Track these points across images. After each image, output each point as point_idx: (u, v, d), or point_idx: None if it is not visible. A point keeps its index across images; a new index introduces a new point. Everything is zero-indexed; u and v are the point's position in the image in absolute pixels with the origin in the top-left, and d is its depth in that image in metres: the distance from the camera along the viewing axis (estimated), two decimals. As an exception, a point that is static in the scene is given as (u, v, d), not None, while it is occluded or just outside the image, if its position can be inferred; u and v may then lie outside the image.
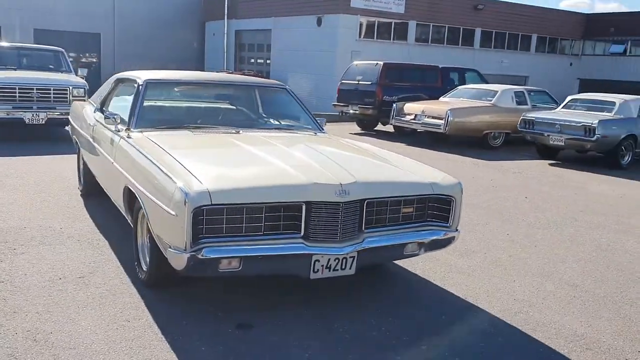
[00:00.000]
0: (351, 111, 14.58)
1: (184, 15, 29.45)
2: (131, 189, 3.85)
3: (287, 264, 3.43)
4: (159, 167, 3.52)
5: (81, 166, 6.33)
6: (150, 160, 3.69)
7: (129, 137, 4.36)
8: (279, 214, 3.38)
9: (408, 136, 13.83)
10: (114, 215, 5.39)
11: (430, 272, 4.54)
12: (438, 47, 25.82)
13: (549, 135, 11.12)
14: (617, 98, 11.49)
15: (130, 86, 5.28)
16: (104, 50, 27.51)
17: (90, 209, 5.79)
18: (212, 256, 3.19)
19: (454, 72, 15.74)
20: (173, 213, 3.16)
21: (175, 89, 5.44)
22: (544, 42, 30.04)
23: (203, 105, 5.42)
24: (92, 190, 6.10)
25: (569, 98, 12.28)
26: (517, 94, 13.19)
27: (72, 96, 9.92)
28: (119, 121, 4.54)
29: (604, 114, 11.04)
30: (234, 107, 5.38)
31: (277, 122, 5.24)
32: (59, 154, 8.79)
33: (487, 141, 12.73)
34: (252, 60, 28.29)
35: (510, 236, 5.76)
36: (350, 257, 3.49)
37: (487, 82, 15.71)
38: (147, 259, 3.92)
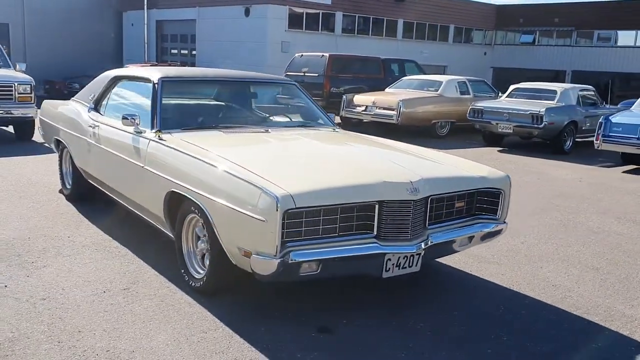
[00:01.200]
0: (298, 103, 14.53)
1: (100, 5, 28.09)
2: (185, 194, 3.65)
3: (361, 264, 3.41)
4: (228, 173, 3.37)
5: (69, 169, 5.94)
6: (211, 165, 3.53)
7: (160, 139, 4.14)
8: (352, 215, 3.35)
9: (356, 127, 13.94)
10: (119, 219, 5.16)
11: (461, 263, 4.65)
12: (364, 38, 26.22)
13: (497, 124, 11.61)
14: (557, 86, 12.18)
15: (136, 85, 5.03)
16: (13, 42, 25.73)
17: (87, 214, 5.45)
18: (298, 260, 3.12)
19: (395, 63, 16.05)
20: (261, 218, 3.04)
21: (191, 87, 5.21)
22: (461, 32, 31.20)
23: (222, 103, 5.23)
24: (82, 194, 5.76)
25: (512, 87, 12.87)
26: (460, 84, 13.66)
27: (18, 93, 9.27)
28: (138, 122, 4.31)
29: (547, 102, 11.66)
30: (252, 105, 5.23)
31: (297, 119, 5.12)
32: (16, 155, 8.20)
33: (434, 130, 13.13)
34: (175, 51, 27.52)
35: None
36: (417, 254, 3.52)
37: (424, 73, 16.13)
38: (197, 267, 3.81)
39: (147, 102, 4.62)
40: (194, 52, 25.92)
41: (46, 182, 6.71)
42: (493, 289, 4.19)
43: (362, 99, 13.08)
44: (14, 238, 4.70)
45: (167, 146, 4.03)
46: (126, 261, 4.31)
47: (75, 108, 5.69)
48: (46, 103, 6.61)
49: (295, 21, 23.89)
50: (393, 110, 12.35)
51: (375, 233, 3.40)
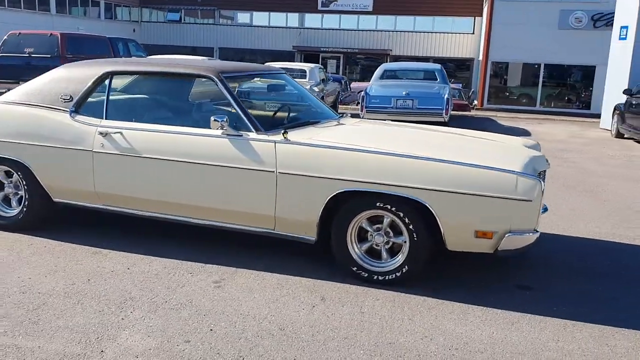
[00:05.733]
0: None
1: None
2: (372, 191, 3.68)
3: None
4: (462, 164, 3.61)
5: (21, 193, 4.62)
6: (424, 159, 3.68)
7: (287, 140, 3.94)
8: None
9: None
10: (135, 236, 4.50)
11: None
12: (12, 10, 23.09)
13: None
14: (306, 66, 13.64)
15: (168, 82, 4.40)
16: None
17: (80, 237, 4.48)
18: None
19: (119, 42, 15.11)
20: (526, 199, 3.51)
21: (242, 83, 4.70)
22: (110, 8, 30.12)
23: (279, 98, 4.87)
24: (39, 219, 4.66)
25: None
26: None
27: None
28: (226, 124, 3.98)
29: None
30: (303, 98, 5.02)
31: (315, 111, 5.14)
32: None
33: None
34: None
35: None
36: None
37: (145, 52, 15.69)
38: (368, 262, 3.90)
39: (205, 102, 4.20)
40: None
41: None
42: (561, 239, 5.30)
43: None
44: (41, 292, 3.72)
45: (317, 146, 3.88)
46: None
47: (37, 114, 4.49)
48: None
49: None
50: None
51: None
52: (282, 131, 3.99)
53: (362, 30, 31.71)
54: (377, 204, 3.75)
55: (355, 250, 3.91)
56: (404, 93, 11.82)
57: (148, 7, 32.85)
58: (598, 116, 20.88)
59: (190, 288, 3.73)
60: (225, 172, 3.98)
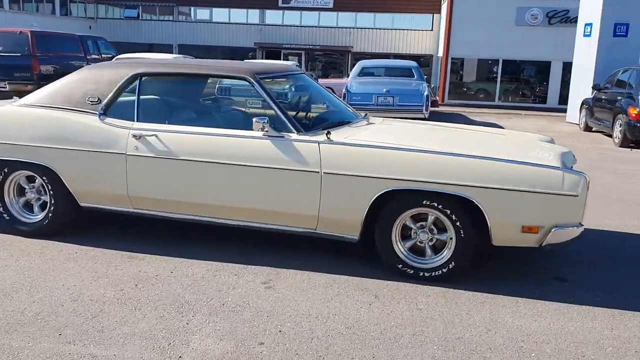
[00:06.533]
0: (-5, 88, 12.15)
1: None
2: (419, 189, 3.76)
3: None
4: (511, 162, 3.72)
5: (48, 198, 4.50)
6: (472, 157, 3.77)
7: (330, 140, 3.97)
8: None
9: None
10: (170, 237, 4.47)
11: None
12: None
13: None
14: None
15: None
16: None
17: (113, 242, 4.40)
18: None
19: (89, 40, 14.72)
20: (573, 194, 3.64)
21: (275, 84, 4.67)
22: (65, 4, 29.28)
23: (303, 98, 4.85)
24: (64, 224, 4.56)
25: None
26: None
27: None
28: (267, 126, 3.99)
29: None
30: (314, 97, 5.02)
31: (342, 112, 5.10)
32: None
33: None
34: None
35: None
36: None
37: (115, 49, 15.37)
38: (413, 259, 3.97)
39: (237, 103, 4.20)
40: None
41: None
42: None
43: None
44: (94, 298, 3.67)
45: (363, 145, 3.93)
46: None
47: (63, 117, 4.38)
48: (10, 111, 4.63)
49: None
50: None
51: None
52: (326, 132, 4.01)
53: (323, 27, 31.77)
54: (424, 202, 3.83)
55: (400, 248, 3.98)
56: (384, 90, 11.95)
57: (104, 3, 32.07)
58: (554, 110, 21.68)
59: (241, 290, 3.73)
60: (267, 173, 3.98)
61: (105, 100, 4.33)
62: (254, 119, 3.95)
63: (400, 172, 3.78)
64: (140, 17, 32.39)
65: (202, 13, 32.67)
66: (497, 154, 3.83)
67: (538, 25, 23.06)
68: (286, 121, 4.06)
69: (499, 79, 24.31)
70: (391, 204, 3.90)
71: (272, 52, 31.19)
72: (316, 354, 2.98)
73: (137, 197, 4.29)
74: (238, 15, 32.22)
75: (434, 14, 30.56)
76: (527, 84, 24.61)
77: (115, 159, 4.24)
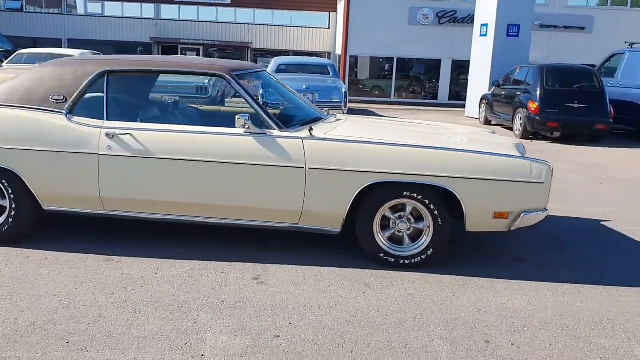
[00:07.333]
0: None
1: None
2: (399, 182, 3.96)
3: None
4: (485, 153, 4.02)
5: (14, 201, 4.24)
6: (450, 150, 4.03)
7: (313, 136, 4.09)
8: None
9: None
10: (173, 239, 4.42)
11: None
12: None
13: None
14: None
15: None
16: None
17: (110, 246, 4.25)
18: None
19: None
20: (540, 181, 4.00)
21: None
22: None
23: (279, 95, 4.84)
24: (24, 229, 4.36)
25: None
26: None
27: None
28: (249, 123, 4.06)
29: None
30: (278, 96, 5.03)
31: (309, 109, 5.09)
32: None
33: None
34: None
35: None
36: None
37: (12, 45, 14.39)
38: (393, 248, 4.17)
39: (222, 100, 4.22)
40: None
41: None
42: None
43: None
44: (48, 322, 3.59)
45: (346, 141, 4.06)
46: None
47: (25, 116, 4.16)
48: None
49: None
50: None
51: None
52: (308, 128, 4.11)
53: (221, 23, 31.39)
54: (404, 193, 4.03)
55: (381, 238, 4.16)
56: (304, 87, 12.11)
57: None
58: (445, 105, 22.95)
59: (234, 287, 3.75)
60: (250, 170, 4.01)
61: (72, 99, 4.15)
62: (236, 116, 3.97)
63: (384, 166, 3.96)
64: (25, 10, 30.34)
65: (94, 6, 31.18)
66: (470, 147, 4.12)
67: (429, 25, 24.21)
68: (267, 118, 4.11)
69: (394, 77, 25.26)
70: (373, 196, 4.07)
71: (169, 47, 30.40)
72: (334, 342, 3.08)
73: (110, 198, 4.16)
74: (132, 9, 31.06)
75: (331, 13, 31.13)
76: (419, 82, 25.77)
77: (86, 159, 4.08)
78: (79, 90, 4.17)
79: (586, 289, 3.94)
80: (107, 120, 4.14)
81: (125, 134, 4.06)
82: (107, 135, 4.07)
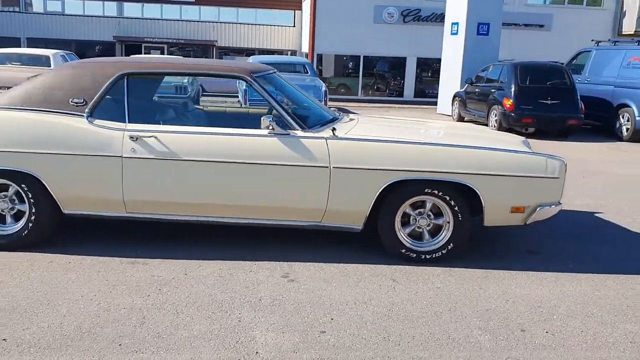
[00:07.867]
0: None
1: None
2: (424, 179, 4.09)
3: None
4: (504, 150, 4.18)
5: (27, 208, 4.18)
6: (468, 147, 4.17)
7: (336, 136, 4.17)
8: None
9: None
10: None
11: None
12: None
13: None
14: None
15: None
16: None
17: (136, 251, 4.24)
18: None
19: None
20: (555, 176, 4.18)
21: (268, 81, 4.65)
22: None
23: (289, 95, 4.87)
24: (43, 234, 4.32)
25: None
26: (62, 57, 12.93)
27: None
28: (274, 124, 4.13)
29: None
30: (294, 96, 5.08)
31: (322, 110, 5.11)
32: None
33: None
34: None
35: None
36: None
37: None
38: (414, 244, 4.29)
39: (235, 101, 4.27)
40: None
41: None
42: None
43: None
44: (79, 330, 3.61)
45: (370, 140, 4.16)
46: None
47: (46, 120, 4.12)
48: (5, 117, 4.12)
49: None
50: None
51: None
52: (331, 128, 4.19)
53: (186, 21, 31.08)
54: (426, 190, 4.15)
55: (402, 234, 4.27)
56: (284, 86, 12.13)
57: None
58: (409, 102, 23.28)
59: (267, 285, 3.80)
60: (275, 170, 4.07)
61: (92, 101, 4.13)
62: (262, 117, 4.02)
63: (408, 164, 4.07)
64: (-19, 8, 29.42)
65: (53, 5, 30.45)
66: (489, 144, 4.26)
67: (394, 23, 24.51)
68: (289, 119, 4.17)
69: (360, 75, 25.49)
70: (395, 193, 4.17)
71: (133, 46, 29.93)
72: (379, 335, 3.18)
73: (134, 201, 4.16)
74: (93, 7, 30.46)
75: (296, 11, 31.17)
76: (384, 79, 26.07)
77: (109, 162, 4.07)
78: (99, 93, 4.15)
79: (599, 278, 4.13)
80: (129, 122, 4.13)
81: (150, 137, 4.06)
82: (131, 137, 4.06)
